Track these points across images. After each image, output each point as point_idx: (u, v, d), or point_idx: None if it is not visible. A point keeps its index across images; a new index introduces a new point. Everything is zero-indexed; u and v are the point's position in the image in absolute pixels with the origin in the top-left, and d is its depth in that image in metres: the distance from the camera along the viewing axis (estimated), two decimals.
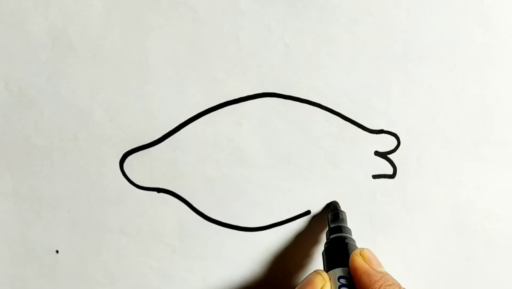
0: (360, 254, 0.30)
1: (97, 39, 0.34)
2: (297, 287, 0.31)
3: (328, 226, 0.34)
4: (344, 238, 0.33)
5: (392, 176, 0.36)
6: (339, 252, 0.32)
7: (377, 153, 0.35)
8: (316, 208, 0.36)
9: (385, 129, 0.35)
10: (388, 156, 0.35)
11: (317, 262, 0.37)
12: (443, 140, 0.35)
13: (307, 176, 0.36)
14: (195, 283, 0.37)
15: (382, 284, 0.29)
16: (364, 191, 0.36)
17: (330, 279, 0.31)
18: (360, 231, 0.36)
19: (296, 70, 0.34)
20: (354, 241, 0.33)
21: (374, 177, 0.36)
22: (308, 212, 0.36)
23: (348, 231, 0.34)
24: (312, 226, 0.36)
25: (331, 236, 0.33)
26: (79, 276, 0.37)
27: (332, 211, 0.35)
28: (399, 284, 0.29)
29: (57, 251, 0.37)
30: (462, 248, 0.36)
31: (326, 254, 0.33)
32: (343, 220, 0.34)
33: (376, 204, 0.36)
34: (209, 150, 0.36)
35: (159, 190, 0.36)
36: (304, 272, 0.37)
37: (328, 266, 0.32)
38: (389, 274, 0.30)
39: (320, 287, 0.30)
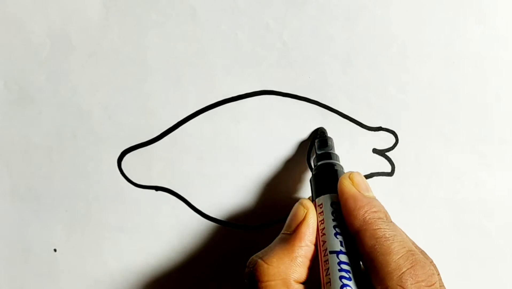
0: (349, 178, 0.29)
1: (96, 37, 0.35)
2: (285, 223, 0.30)
3: (315, 152, 0.33)
4: (333, 164, 0.31)
5: (390, 174, 0.36)
6: (328, 178, 0.30)
7: (375, 151, 0.35)
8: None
9: (383, 126, 0.35)
10: (386, 153, 0.35)
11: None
12: (441, 137, 0.35)
13: (305, 173, 0.36)
14: (193, 281, 0.37)
15: (367, 210, 0.27)
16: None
17: (316, 206, 0.29)
18: None
19: (294, 68, 0.34)
20: (342, 167, 0.32)
21: (372, 174, 0.36)
22: None
23: (336, 157, 0.32)
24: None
25: (319, 163, 0.32)
26: (78, 274, 0.37)
27: (320, 138, 0.34)
28: (385, 211, 0.28)
29: (55, 250, 0.37)
30: (460, 245, 0.36)
31: (314, 181, 0.31)
32: (331, 146, 0.33)
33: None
34: (207, 147, 0.36)
35: (157, 188, 0.36)
36: None
37: (316, 193, 0.30)
38: (377, 200, 0.28)
39: (302, 218, 0.29)
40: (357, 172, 0.29)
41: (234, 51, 0.34)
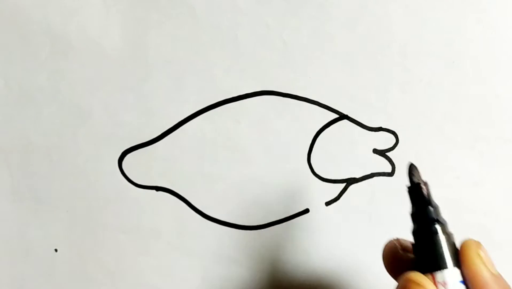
0: (478, 254, 0.24)
1: (96, 37, 0.35)
2: None
3: (412, 205, 0.26)
4: (445, 229, 0.25)
5: (391, 174, 0.36)
6: (440, 247, 0.24)
7: (375, 151, 0.35)
8: (314, 207, 0.36)
9: (383, 127, 0.35)
10: (387, 153, 0.35)
11: (317, 260, 0.37)
12: (441, 137, 0.35)
13: (306, 174, 0.36)
14: (193, 281, 0.37)
15: None
16: (363, 189, 0.36)
17: (435, 283, 0.23)
18: (359, 229, 0.36)
19: (294, 68, 0.34)
20: (449, 227, 0.25)
21: (373, 174, 0.35)
22: (306, 211, 0.36)
23: (439, 212, 0.25)
24: (311, 224, 0.36)
25: (424, 223, 0.25)
26: (78, 274, 0.37)
27: (412, 186, 0.26)
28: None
29: (56, 250, 0.37)
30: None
31: (428, 249, 0.24)
32: (431, 195, 0.26)
33: (374, 201, 0.36)
34: (208, 148, 0.36)
35: (157, 188, 0.36)
36: (302, 271, 0.37)
37: (425, 266, 0.24)
38: (505, 280, 0.24)
39: None
40: (481, 244, 0.24)
41: (234, 51, 0.34)
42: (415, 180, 0.26)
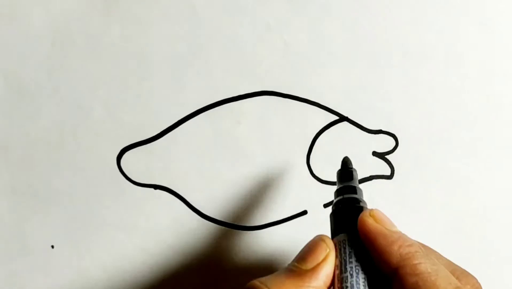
0: (370, 215, 0.26)
1: (98, 34, 0.35)
2: (297, 255, 0.27)
3: (337, 185, 0.30)
4: (352, 200, 0.29)
5: (390, 177, 0.35)
6: (346, 216, 0.28)
7: (375, 153, 0.35)
8: (313, 208, 0.36)
9: (383, 129, 0.35)
10: (386, 156, 0.35)
11: None
12: (441, 141, 0.35)
13: (305, 175, 0.36)
14: (190, 280, 0.37)
15: (401, 245, 0.25)
16: (362, 192, 0.35)
17: (336, 245, 0.27)
18: None
19: (295, 69, 0.34)
20: (365, 203, 0.29)
21: (372, 177, 0.35)
22: (305, 212, 0.36)
23: (360, 192, 0.30)
24: (309, 226, 0.36)
25: (340, 197, 0.29)
26: (75, 271, 0.37)
27: (342, 169, 0.31)
28: (419, 244, 0.26)
29: (52, 246, 0.37)
30: (459, 249, 0.36)
31: (334, 218, 0.29)
32: (353, 178, 0.30)
33: (373, 204, 0.36)
34: (207, 147, 0.36)
35: (156, 187, 0.36)
36: None
37: (334, 231, 0.28)
38: (405, 234, 0.26)
39: (324, 256, 0.26)
40: (376, 209, 0.27)
41: (235, 51, 0.34)
42: (349, 165, 0.31)
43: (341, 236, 0.27)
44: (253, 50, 0.34)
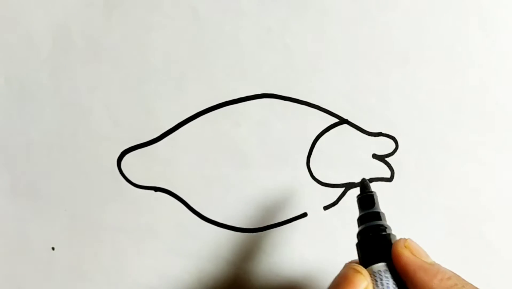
0: (406, 247, 0.26)
1: (99, 36, 0.35)
2: (331, 286, 0.27)
3: (360, 211, 0.30)
4: (381, 227, 0.28)
5: (389, 179, 0.35)
6: (378, 245, 0.27)
7: (375, 156, 0.35)
8: (313, 211, 0.36)
9: (383, 132, 0.35)
10: (386, 159, 0.35)
11: (314, 264, 0.37)
12: (441, 143, 0.35)
13: (305, 177, 0.36)
14: (190, 282, 0.37)
15: (441, 278, 0.25)
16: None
17: (371, 275, 0.26)
18: None
19: (295, 72, 0.35)
20: (391, 229, 0.29)
21: (372, 180, 0.35)
22: (305, 214, 0.36)
23: (383, 216, 0.29)
24: (309, 228, 0.36)
25: (366, 225, 0.29)
26: (75, 273, 0.37)
27: (363, 193, 0.30)
28: (455, 275, 0.26)
29: (53, 248, 0.37)
30: (459, 251, 0.36)
31: (363, 248, 0.28)
32: (376, 202, 0.29)
33: None
34: (207, 149, 0.36)
35: (156, 189, 0.36)
36: (300, 275, 0.37)
37: (367, 261, 0.27)
38: (442, 266, 0.27)
39: (363, 288, 0.26)
40: (409, 239, 0.27)
41: (236, 54, 0.35)
42: (369, 189, 0.30)
43: (379, 266, 0.27)
44: (254, 53, 0.34)
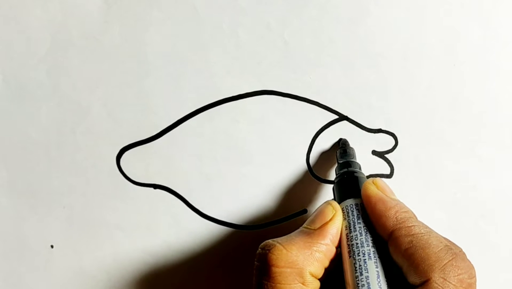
0: (373, 183, 0.29)
1: (97, 34, 0.35)
2: (308, 218, 0.30)
3: (337, 162, 0.34)
4: (354, 171, 0.32)
5: (389, 176, 0.36)
6: (350, 185, 0.31)
7: (374, 152, 0.35)
8: (312, 207, 0.36)
9: (383, 128, 0.35)
10: (386, 155, 0.35)
11: None
12: (440, 140, 0.35)
13: (304, 174, 0.36)
14: (189, 279, 0.37)
15: (397, 210, 0.28)
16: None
17: (343, 209, 0.30)
18: None
19: (295, 68, 0.34)
20: (364, 174, 0.32)
21: (371, 176, 0.35)
22: (304, 211, 0.36)
23: (358, 165, 0.33)
24: None
25: (341, 170, 0.32)
26: (74, 271, 0.37)
27: (341, 147, 0.34)
28: (412, 211, 0.29)
29: (52, 246, 0.37)
30: None
31: (337, 187, 0.32)
32: (352, 155, 0.33)
33: None
34: (207, 146, 0.35)
35: (155, 186, 0.36)
36: None
37: (340, 198, 0.31)
38: (401, 202, 0.29)
39: (330, 217, 0.29)
40: (379, 178, 0.30)
41: (235, 50, 0.34)
42: (345, 145, 0.34)
43: (348, 201, 0.30)
44: (253, 49, 0.34)
